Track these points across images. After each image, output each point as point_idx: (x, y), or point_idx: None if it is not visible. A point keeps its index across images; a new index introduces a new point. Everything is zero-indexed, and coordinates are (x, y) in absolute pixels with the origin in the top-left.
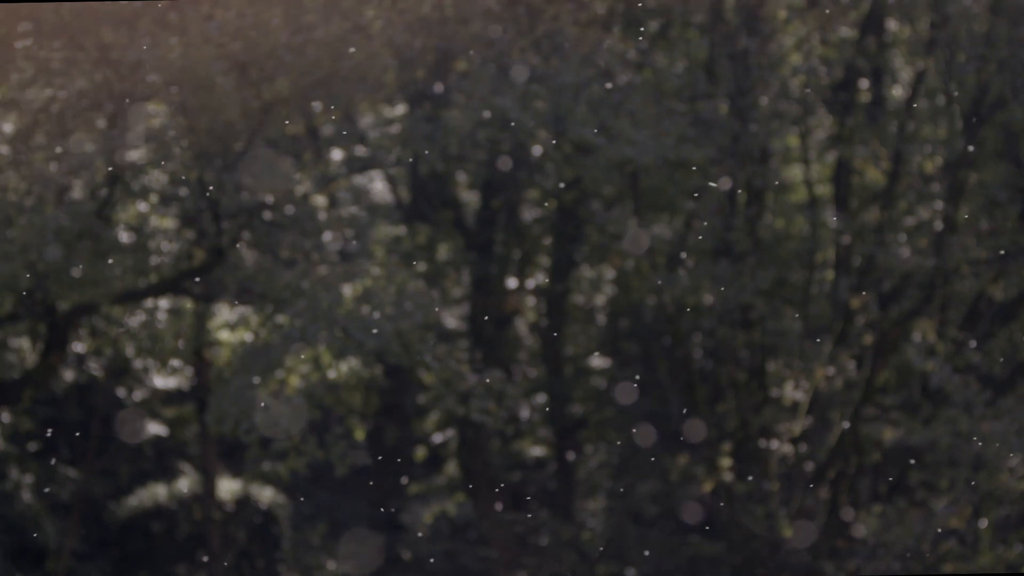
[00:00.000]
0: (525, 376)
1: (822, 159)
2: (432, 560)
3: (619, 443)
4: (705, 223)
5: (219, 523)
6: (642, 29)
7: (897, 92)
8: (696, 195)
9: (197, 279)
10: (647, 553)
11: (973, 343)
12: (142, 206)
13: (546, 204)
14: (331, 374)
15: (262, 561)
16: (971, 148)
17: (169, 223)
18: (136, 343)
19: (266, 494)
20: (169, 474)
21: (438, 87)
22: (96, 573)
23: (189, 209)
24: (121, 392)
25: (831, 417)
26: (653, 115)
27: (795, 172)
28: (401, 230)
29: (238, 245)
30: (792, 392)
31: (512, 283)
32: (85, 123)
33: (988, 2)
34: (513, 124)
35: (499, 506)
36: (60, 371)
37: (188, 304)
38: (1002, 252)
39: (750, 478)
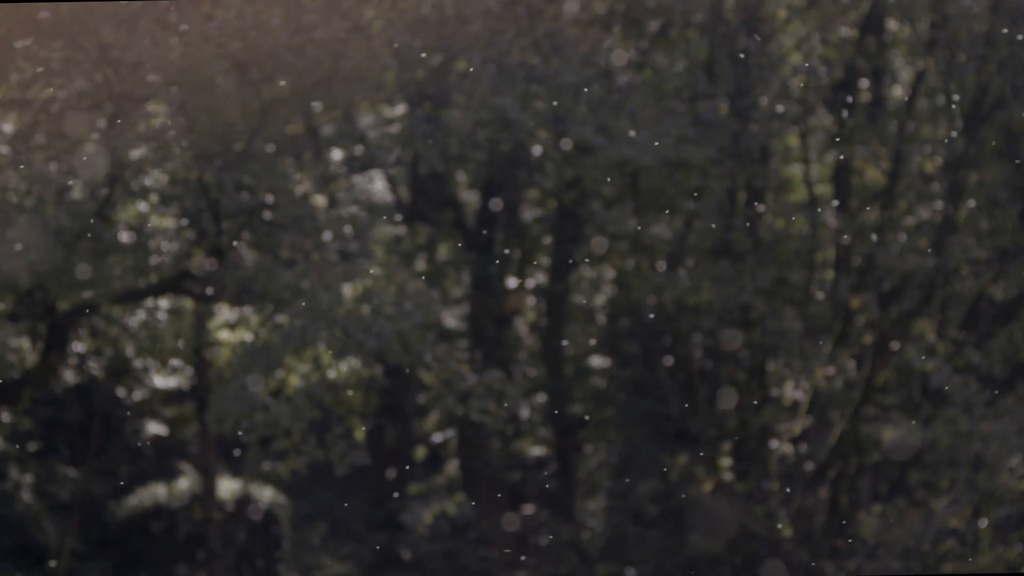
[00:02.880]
0: (525, 376)
1: (822, 159)
2: (432, 560)
3: (619, 443)
4: (705, 223)
5: (219, 523)
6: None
7: (897, 92)
8: (696, 195)
9: (199, 277)
10: (647, 553)
11: (973, 343)
12: (142, 206)
13: (547, 204)
14: (331, 374)
15: (262, 561)
16: (971, 148)
17: (169, 223)
18: (136, 343)
19: (266, 494)
20: (169, 474)
21: (438, 87)
22: (96, 573)
23: (189, 209)
24: (121, 392)
25: (831, 417)
26: (653, 115)
27: (795, 172)
28: (401, 230)
29: (238, 245)
30: (792, 392)
31: (512, 283)
32: (85, 123)
33: (988, 2)
34: (513, 124)
35: (499, 506)
36: (60, 371)
37: (188, 304)
38: (1003, 252)
39: (750, 478)
